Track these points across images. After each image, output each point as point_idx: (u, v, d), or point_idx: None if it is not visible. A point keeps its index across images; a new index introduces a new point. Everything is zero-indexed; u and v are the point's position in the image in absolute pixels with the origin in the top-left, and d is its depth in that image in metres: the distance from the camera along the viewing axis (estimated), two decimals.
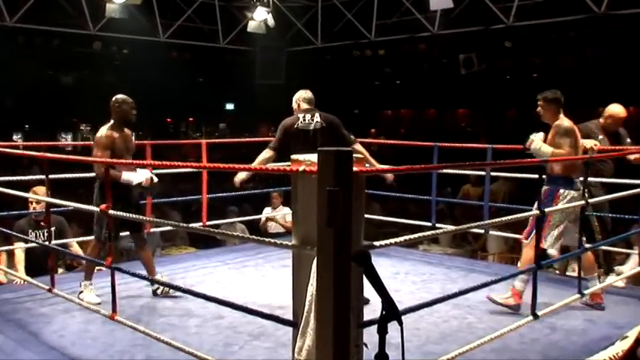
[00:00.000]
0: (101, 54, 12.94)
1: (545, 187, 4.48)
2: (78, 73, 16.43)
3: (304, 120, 4.69)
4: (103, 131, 4.67)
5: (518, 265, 4.81)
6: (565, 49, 11.72)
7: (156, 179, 4.76)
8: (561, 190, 4.42)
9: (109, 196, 3.78)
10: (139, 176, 4.65)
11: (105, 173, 3.92)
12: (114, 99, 4.84)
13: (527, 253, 4.42)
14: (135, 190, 4.75)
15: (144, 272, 4.61)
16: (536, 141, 4.51)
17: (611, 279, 4.97)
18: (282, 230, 8.03)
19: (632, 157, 5.17)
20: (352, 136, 4.90)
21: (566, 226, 4.45)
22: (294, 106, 4.87)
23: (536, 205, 4.04)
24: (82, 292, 4.60)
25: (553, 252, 4.54)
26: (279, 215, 8.16)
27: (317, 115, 4.73)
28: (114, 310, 3.58)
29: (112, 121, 4.77)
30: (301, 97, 4.85)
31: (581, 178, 4.39)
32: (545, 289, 4.34)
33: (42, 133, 17.62)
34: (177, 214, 9.10)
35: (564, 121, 4.54)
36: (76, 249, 5.73)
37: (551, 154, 4.39)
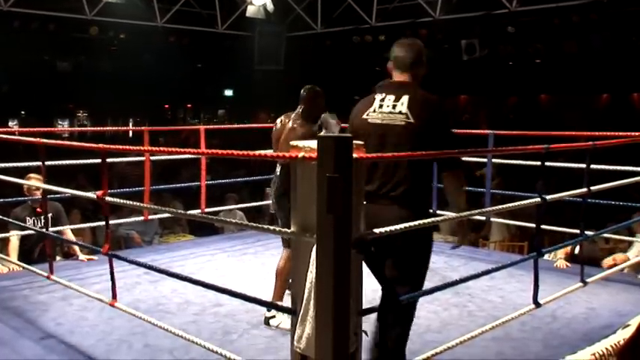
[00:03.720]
0: (98, 39, 12.88)
1: None
2: (74, 58, 16.37)
3: (380, 106, 2.93)
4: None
5: None
6: (569, 35, 11.68)
7: None
8: None
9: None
10: None
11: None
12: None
13: None
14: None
15: (142, 259, 4.61)
16: None
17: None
18: None
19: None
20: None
21: None
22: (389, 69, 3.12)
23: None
24: (273, 316, 3.97)
25: None
26: None
27: (405, 98, 2.86)
28: (114, 296, 3.58)
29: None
30: (393, 52, 3.03)
31: None
32: (547, 278, 4.35)
33: (38, 119, 17.59)
34: (178, 201, 9.10)
35: None
36: (70, 236, 5.73)
37: None
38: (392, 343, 2.79)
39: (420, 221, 2.67)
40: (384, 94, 2.89)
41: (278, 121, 4.34)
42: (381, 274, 2.74)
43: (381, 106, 2.85)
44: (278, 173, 4.21)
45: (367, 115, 2.89)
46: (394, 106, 2.81)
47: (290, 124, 4.19)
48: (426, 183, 2.97)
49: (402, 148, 2.71)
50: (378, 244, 2.62)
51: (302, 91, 4.25)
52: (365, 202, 2.50)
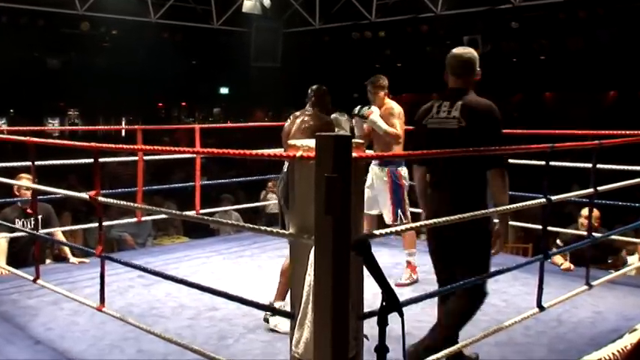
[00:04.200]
0: (89, 35, 12.84)
1: (386, 169, 5.03)
2: (65, 55, 16.35)
3: (437, 112, 3.28)
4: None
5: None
6: (575, 30, 11.67)
7: None
8: (399, 168, 5.03)
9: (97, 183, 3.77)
10: None
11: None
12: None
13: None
14: None
15: (135, 262, 4.61)
16: (376, 112, 5.02)
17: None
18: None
19: None
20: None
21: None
22: (445, 77, 3.36)
23: None
24: (273, 314, 3.95)
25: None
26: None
27: (459, 104, 3.20)
28: (103, 301, 3.58)
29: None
30: (449, 61, 3.35)
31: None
32: (552, 280, 4.35)
33: (27, 117, 17.56)
34: (172, 202, 9.10)
35: (393, 104, 5.12)
36: (60, 238, 5.72)
37: (385, 131, 4.91)
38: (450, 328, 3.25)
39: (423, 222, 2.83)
40: (441, 101, 3.28)
41: (288, 121, 4.40)
42: (381, 276, 2.75)
43: (438, 112, 3.25)
44: (286, 170, 4.23)
45: (426, 120, 3.30)
46: (449, 112, 3.20)
47: (302, 118, 4.23)
48: (475, 178, 3.26)
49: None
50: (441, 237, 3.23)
51: (310, 90, 4.35)
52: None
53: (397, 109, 5.17)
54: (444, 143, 3.14)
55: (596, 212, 5.18)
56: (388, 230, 2.56)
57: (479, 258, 3.27)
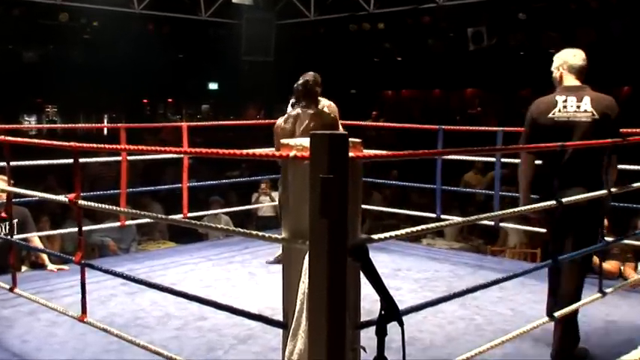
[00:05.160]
0: (68, 26, 12.81)
1: None
2: (42, 48, 16.33)
3: (564, 107, 3.73)
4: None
5: None
6: (586, 22, 11.69)
7: None
8: None
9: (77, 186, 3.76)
10: None
11: None
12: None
13: None
14: None
15: (118, 269, 4.60)
16: None
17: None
18: (273, 214, 8.23)
19: None
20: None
21: None
22: (555, 74, 3.89)
23: None
24: None
25: None
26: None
27: (587, 99, 3.70)
28: (83, 311, 3.57)
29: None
30: (567, 61, 3.85)
31: None
32: None
33: (2, 115, 17.50)
34: (159, 205, 9.10)
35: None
36: (37, 244, 5.70)
37: None
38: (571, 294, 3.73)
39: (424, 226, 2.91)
40: (564, 97, 3.74)
41: (281, 121, 4.37)
42: (380, 283, 2.75)
43: (565, 107, 3.72)
44: None
45: (553, 114, 3.73)
46: (578, 106, 3.69)
47: (305, 120, 4.20)
48: (601, 162, 3.82)
49: (588, 140, 3.65)
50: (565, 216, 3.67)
51: (297, 86, 4.33)
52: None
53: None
54: (576, 134, 3.68)
55: None
56: (387, 234, 2.56)
57: (597, 231, 3.88)
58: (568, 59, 3.81)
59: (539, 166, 3.93)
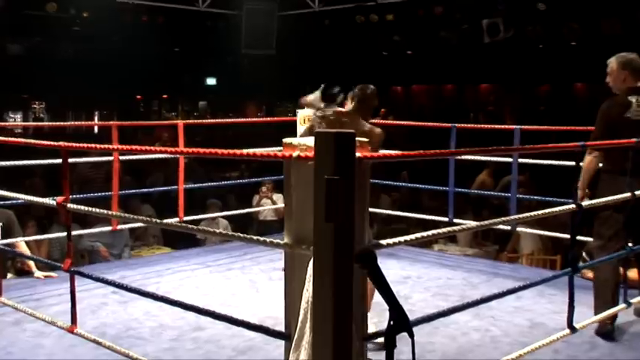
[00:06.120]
0: (57, 18, 12.85)
1: None
2: (28, 40, 16.37)
3: (638, 106, 4.13)
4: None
5: None
6: (610, 12, 11.65)
7: None
8: None
9: (65, 188, 3.77)
10: None
11: None
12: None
13: None
14: None
15: (110, 276, 4.61)
16: None
17: None
18: (275, 218, 8.25)
19: None
20: None
21: None
22: (618, 75, 4.29)
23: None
24: None
25: None
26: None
27: None
28: (73, 321, 3.58)
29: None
30: (631, 63, 4.26)
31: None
32: (583, 297, 4.35)
33: None
34: (150, 208, 9.11)
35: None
36: (23, 249, 5.72)
37: None
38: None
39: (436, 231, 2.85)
40: (636, 97, 4.19)
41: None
42: (389, 292, 2.76)
43: (638, 106, 4.16)
44: None
45: (629, 113, 4.16)
46: None
47: (338, 120, 4.11)
48: None
49: None
50: None
51: (355, 88, 4.26)
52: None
53: None
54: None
55: None
56: (396, 240, 2.56)
57: None
58: (633, 61, 4.26)
59: (606, 163, 4.30)
